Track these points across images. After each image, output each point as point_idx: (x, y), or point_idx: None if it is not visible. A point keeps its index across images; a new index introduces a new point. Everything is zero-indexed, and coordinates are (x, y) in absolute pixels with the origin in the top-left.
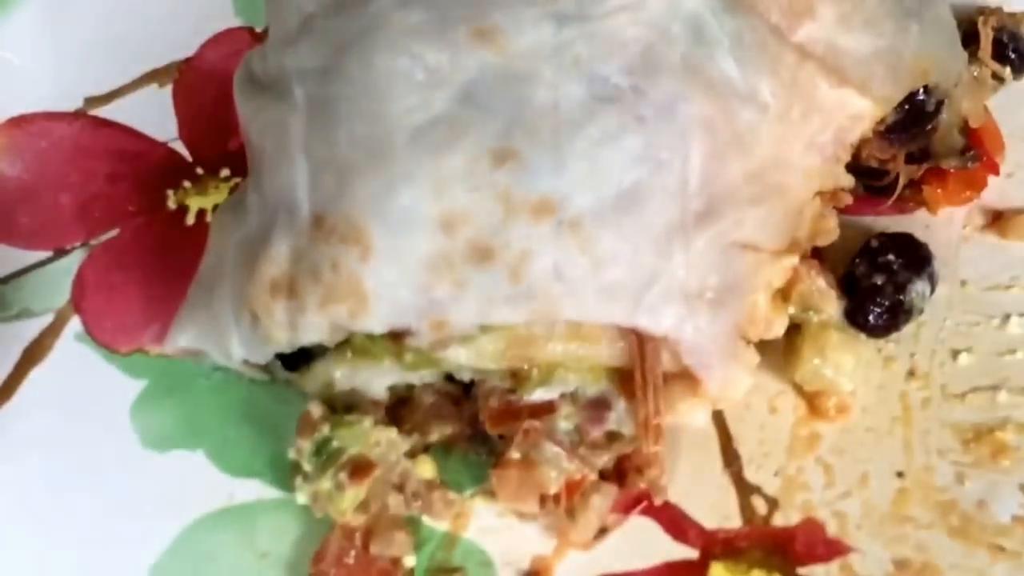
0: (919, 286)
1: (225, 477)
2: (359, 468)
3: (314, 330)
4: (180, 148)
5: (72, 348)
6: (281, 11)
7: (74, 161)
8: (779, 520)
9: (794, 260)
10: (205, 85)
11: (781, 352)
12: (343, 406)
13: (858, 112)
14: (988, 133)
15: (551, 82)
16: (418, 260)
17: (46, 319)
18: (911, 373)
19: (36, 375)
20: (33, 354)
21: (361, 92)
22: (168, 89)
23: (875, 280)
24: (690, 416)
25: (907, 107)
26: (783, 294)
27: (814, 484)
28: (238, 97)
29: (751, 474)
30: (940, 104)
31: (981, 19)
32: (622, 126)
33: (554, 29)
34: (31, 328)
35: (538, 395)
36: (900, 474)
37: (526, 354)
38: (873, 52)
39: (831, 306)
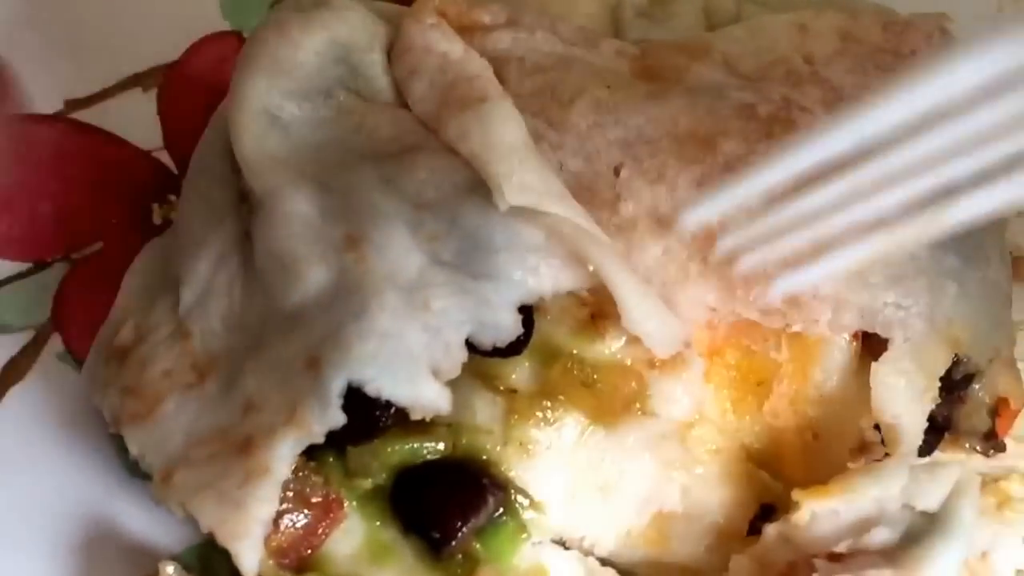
0: None
1: None
2: None
3: (107, 407)
4: (165, 158)
5: (54, 367)
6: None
7: (54, 167)
8: None
9: None
10: (191, 93)
11: None
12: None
13: None
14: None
15: (394, 314)
16: (204, 418)
17: (26, 335)
18: None
19: (15, 394)
20: (12, 372)
21: (263, 236)
22: (153, 94)
23: None
24: None
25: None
26: None
27: None
28: None
29: None
30: (970, 377)
31: None
32: None
33: (422, 266)
34: (10, 345)
35: None
36: None
37: None
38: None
39: None
